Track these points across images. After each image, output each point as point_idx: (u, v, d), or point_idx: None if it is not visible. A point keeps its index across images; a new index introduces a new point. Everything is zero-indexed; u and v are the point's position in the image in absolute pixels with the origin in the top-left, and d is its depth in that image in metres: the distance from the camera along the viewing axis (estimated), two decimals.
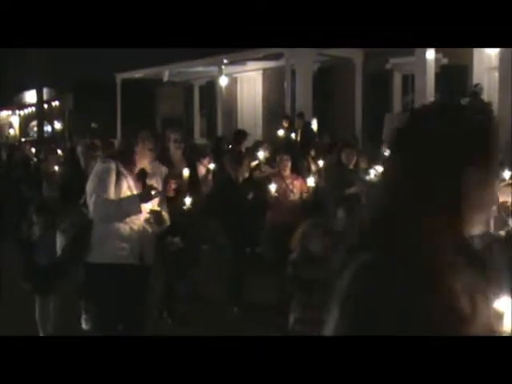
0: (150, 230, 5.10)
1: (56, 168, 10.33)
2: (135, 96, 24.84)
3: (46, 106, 33.13)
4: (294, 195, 8.05)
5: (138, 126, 5.22)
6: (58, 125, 35.31)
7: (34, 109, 34.79)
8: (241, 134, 11.69)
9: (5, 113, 40.85)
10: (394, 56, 17.75)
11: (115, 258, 4.93)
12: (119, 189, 4.89)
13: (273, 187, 7.79)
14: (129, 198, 4.88)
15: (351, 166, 8.40)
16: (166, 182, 7.14)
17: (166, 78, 24.45)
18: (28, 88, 35.24)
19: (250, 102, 23.74)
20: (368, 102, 19.26)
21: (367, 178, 8.30)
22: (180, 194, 7.06)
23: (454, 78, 16.58)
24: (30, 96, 35.70)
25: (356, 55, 19.00)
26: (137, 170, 5.10)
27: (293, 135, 15.47)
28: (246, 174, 8.09)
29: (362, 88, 19.47)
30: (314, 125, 16.95)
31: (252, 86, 23.72)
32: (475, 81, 16.26)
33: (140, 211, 4.90)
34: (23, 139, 30.61)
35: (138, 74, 24.52)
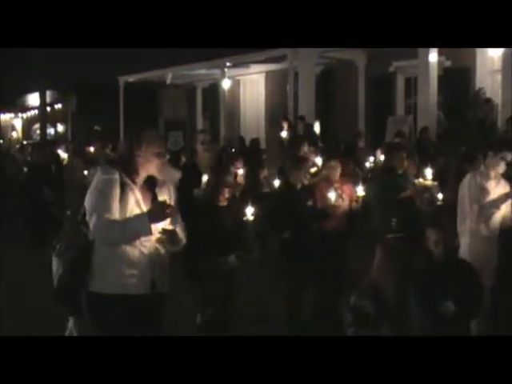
0: (162, 251, 4.30)
1: (85, 172, 9.34)
2: (138, 98, 24.86)
3: (48, 108, 33.15)
4: (344, 202, 7.58)
5: (141, 127, 4.38)
6: (60, 127, 35.35)
7: (36, 111, 34.86)
8: (300, 139, 11.20)
9: (8, 115, 40.92)
10: (397, 59, 17.73)
11: (122, 287, 4.14)
12: (125, 204, 4.13)
13: (332, 195, 7.33)
14: (137, 218, 4.12)
15: (400, 171, 7.80)
16: (216, 190, 6.50)
17: (168, 81, 24.44)
18: (31, 90, 35.33)
19: (253, 105, 23.73)
20: (371, 105, 19.23)
21: (416, 182, 7.67)
22: (234, 202, 6.55)
23: (457, 80, 16.55)
24: (33, 98, 35.79)
25: (359, 58, 18.98)
26: (143, 178, 4.27)
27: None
28: (306, 181, 7.53)
29: (364, 90, 19.45)
30: (317, 127, 16.91)
31: (255, 89, 23.71)
32: (478, 83, 16.24)
33: (151, 233, 4.12)
34: (25, 142, 30.60)
35: (140, 77, 24.52)
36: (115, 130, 24.55)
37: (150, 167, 4.24)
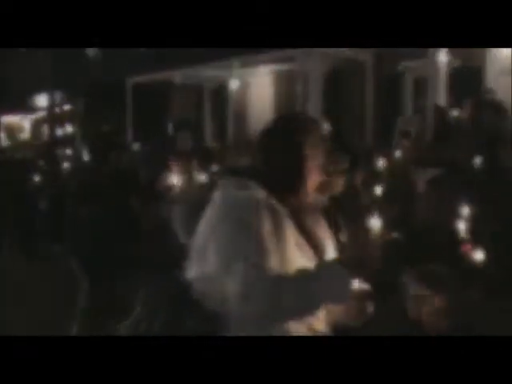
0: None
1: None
2: (146, 99, 24.90)
3: (57, 109, 33.23)
4: None
5: (302, 118, 2.80)
6: (69, 128, 35.41)
7: (45, 112, 34.93)
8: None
9: (16, 116, 41.01)
10: (406, 59, 17.65)
11: None
12: (282, 247, 2.41)
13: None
14: (328, 271, 2.37)
15: None
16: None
17: (176, 82, 24.47)
18: (39, 91, 35.39)
19: (261, 106, 23.70)
20: (379, 105, 19.17)
21: None
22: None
23: (467, 80, 16.46)
24: (41, 99, 35.86)
25: (367, 58, 18.93)
26: (292, 202, 2.59)
27: None
28: None
29: (373, 91, 19.39)
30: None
31: (263, 89, 23.69)
32: (488, 83, 16.16)
33: (347, 299, 2.43)
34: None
35: (148, 78, 24.56)
36: (123, 131, 24.62)
37: (307, 186, 2.59)
